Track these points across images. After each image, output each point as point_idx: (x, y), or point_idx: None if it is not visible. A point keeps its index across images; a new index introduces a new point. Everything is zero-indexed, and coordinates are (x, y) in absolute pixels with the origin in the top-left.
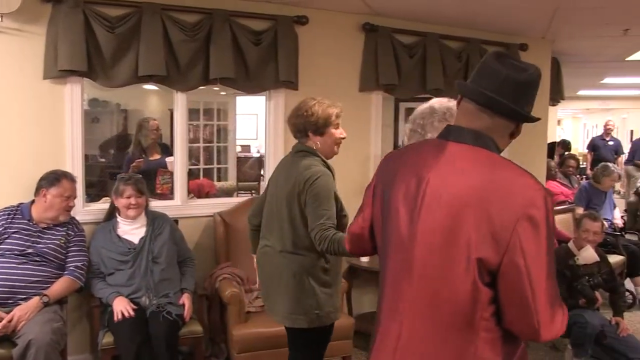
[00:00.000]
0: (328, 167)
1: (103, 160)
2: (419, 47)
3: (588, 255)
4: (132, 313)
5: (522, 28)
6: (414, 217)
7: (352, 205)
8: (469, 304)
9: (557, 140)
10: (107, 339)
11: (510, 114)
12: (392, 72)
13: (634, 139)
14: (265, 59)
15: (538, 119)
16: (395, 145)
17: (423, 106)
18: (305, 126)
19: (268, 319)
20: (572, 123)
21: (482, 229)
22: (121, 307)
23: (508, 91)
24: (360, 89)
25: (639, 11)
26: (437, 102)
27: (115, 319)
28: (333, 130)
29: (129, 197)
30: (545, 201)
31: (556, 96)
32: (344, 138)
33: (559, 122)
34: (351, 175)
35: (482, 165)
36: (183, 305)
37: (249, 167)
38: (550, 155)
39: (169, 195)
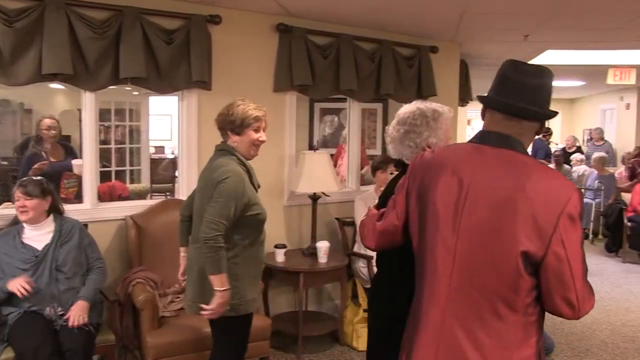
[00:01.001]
0: (245, 166)
1: (5, 163)
2: (332, 48)
3: None
4: (28, 288)
5: (432, 31)
6: (457, 217)
7: (267, 204)
8: (513, 292)
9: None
10: (6, 354)
11: (538, 118)
12: (306, 73)
13: (536, 138)
14: (177, 59)
15: (557, 113)
16: (311, 145)
17: (408, 109)
18: (225, 124)
19: (184, 323)
20: (481, 123)
21: (526, 226)
22: (17, 285)
23: (534, 98)
24: (274, 90)
25: (536, 19)
26: (420, 104)
27: (19, 295)
28: (251, 132)
29: (18, 201)
30: (580, 200)
31: (465, 97)
32: (263, 141)
33: (469, 122)
34: (266, 174)
35: (520, 167)
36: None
37: (163, 168)
38: None
39: (73, 199)
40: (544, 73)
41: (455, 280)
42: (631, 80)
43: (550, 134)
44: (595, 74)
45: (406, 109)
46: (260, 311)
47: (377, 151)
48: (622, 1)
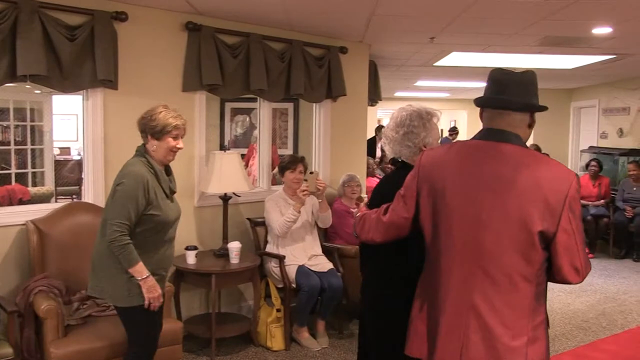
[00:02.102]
0: (154, 169)
1: None
2: (242, 48)
3: None
4: None
5: (342, 32)
6: (478, 206)
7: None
8: (529, 265)
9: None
10: None
11: (522, 107)
12: (215, 72)
13: (443, 137)
14: (81, 56)
15: (546, 108)
16: (222, 146)
17: (405, 112)
18: (146, 128)
19: (92, 331)
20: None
21: (540, 209)
22: None
23: (518, 92)
24: (183, 89)
25: (441, 22)
26: (415, 106)
27: None
28: (169, 139)
29: None
30: (579, 182)
31: (374, 97)
32: (180, 148)
33: (379, 121)
34: (175, 175)
35: (530, 160)
36: None
37: (69, 170)
38: (371, 151)
39: None
40: (526, 72)
41: (475, 261)
42: None
43: (457, 133)
44: None
45: (402, 112)
46: (172, 314)
47: (288, 151)
48: (514, 9)
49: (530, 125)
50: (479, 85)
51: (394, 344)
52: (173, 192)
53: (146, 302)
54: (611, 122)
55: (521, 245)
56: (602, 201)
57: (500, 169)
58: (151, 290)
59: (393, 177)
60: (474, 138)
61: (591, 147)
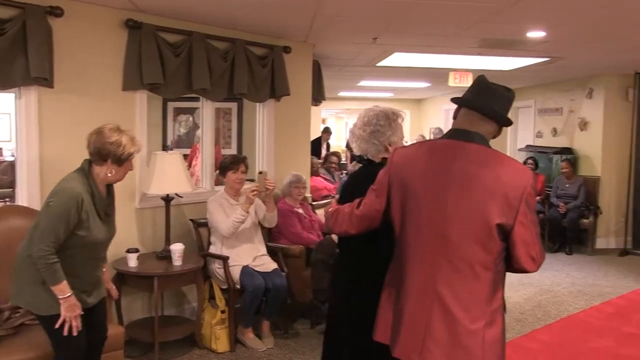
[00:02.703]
0: (92, 190)
1: None
2: (184, 46)
3: None
4: None
5: (285, 31)
6: (442, 199)
7: (117, 208)
8: (488, 254)
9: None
10: None
11: (504, 122)
12: (156, 71)
13: None
14: (12, 52)
15: (512, 122)
16: (164, 146)
17: (372, 112)
18: (109, 154)
19: (23, 341)
20: (335, 122)
21: (499, 203)
22: None
23: (504, 106)
24: (123, 88)
25: (383, 23)
26: (382, 107)
27: None
28: (128, 164)
29: None
30: (534, 180)
31: (318, 97)
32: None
33: (323, 121)
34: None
35: (491, 158)
36: None
37: (2, 172)
38: (316, 151)
39: None
40: (509, 90)
41: (440, 251)
42: (469, 83)
43: None
44: (438, 77)
45: (370, 112)
46: (113, 320)
47: (232, 150)
48: (453, 12)
49: (495, 136)
50: (422, 86)
51: (367, 336)
52: (108, 215)
53: (61, 319)
54: (546, 122)
55: (481, 236)
56: (537, 198)
57: (466, 166)
58: (70, 310)
59: (360, 173)
60: (442, 137)
61: (528, 146)
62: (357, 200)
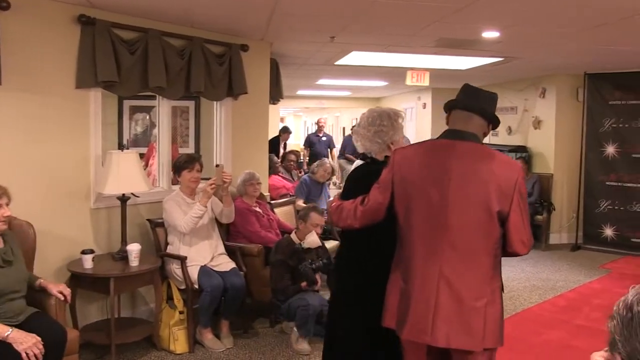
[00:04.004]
0: None
1: None
2: (140, 44)
3: (312, 240)
4: None
5: (243, 29)
6: (445, 193)
7: (71, 208)
8: (490, 240)
9: (280, 128)
10: None
11: (494, 121)
12: (111, 69)
13: (346, 135)
14: None
15: (500, 122)
16: (120, 144)
17: (375, 113)
18: None
19: None
20: (294, 120)
21: (496, 193)
22: None
23: (493, 107)
24: (77, 86)
25: (341, 22)
26: (384, 107)
27: None
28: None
29: None
30: (522, 169)
31: (276, 95)
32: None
33: (282, 119)
34: (68, 176)
35: (485, 154)
36: None
37: None
38: (274, 150)
39: None
40: (493, 93)
41: (444, 238)
42: (426, 82)
43: None
44: (396, 75)
45: (374, 112)
46: (68, 323)
47: (190, 149)
48: (409, 11)
49: (485, 134)
50: (380, 84)
51: (369, 323)
52: (8, 261)
53: (24, 356)
54: (501, 121)
55: (482, 223)
56: None
57: (463, 161)
58: (24, 342)
59: (363, 170)
60: (439, 137)
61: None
62: (360, 198)
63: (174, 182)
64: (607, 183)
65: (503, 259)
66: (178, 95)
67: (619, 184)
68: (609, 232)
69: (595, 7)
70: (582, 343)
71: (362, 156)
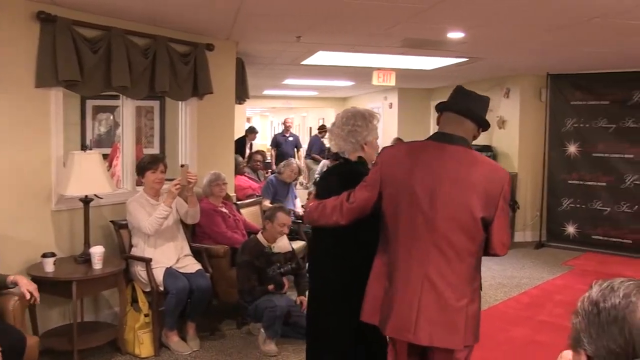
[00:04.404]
0: None
1: None
2: (103, 42)
3: (283, 244)
4: None
5: (208, 28)
6: (433, 195)
7: (31, 210)
8: (475, 243)
9: (246, 128)
10: None
11: (484, 124)
12: (73, 68)
13: (312, 135)
14: None
15: (489, 125)
16: (83, 145)
17: (350, 113)
18: None
19: None
20: (260, 120)
21: (482, 199)
22: None
23: (482, 108)
24: (37, 85)
25: (308, 21)
26: (359, 108)
27: None
28: None
29: None
30: (509, 177)
31: (242, 95)
32: None
33: (248, 119)
34: (28, 177)
35: (472, 158)
36: None
37: None
38: (240, 150)
39: None
40: (484, 96)
41: (430, 239)
42: (392, 82)
43: (326, 131)
44: (362, 75)
45: (348, 112)
46: (27, 330)
47: (155, 150)
48: (375, 11)
49: (475, 137)
50: (346, 84)
51: (349, 317)
52: None
53: None
54: None
55: (467, 227)
56: None
57: (452, 165)
58: None
59: (336, 169)
60: (428, 139)
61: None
62: (345, 194)
63: (139, 183)
64: (569, 182)
65: None
66: (142, 95)
67: (581, 182)
68: (571, 229)
69: (557, 9)
70: (546, 338)
71: (335, 156)
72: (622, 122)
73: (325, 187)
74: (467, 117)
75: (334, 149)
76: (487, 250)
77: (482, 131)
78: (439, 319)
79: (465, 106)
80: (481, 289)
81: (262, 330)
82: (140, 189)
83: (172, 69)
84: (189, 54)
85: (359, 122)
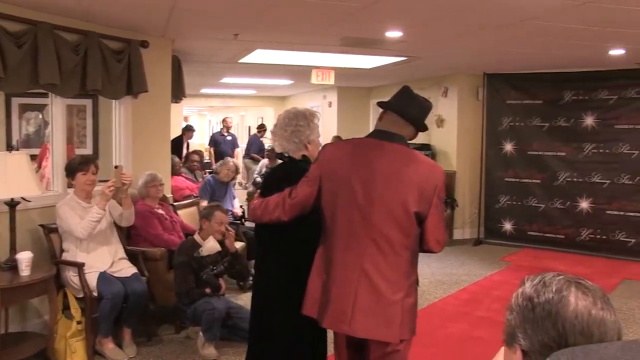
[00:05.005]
0: None
1: None
2: (29, 37)
3: (211, 246)
4: None
5: (142, 25)
6: (369, 191)
7: None
8: (407, 237)
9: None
10: None
11: (422, 127)
12: None
13: (251, 134)
14: None
15: (427, 128)
16: (9, 145)
17: (292, 113)
18: None
19: None
20: (198, 119)
21: (416, 194)
22: None
23: (422, 113)
24: None
25: (245, 19)
26: (300, 108)
27: None
28: None
29: None
30: (444, 174)
31: (178, 93)
32: None
33: (186, 118)
34: None
35: (409, 156)
36: None
37: None
38: (177, 150)
39: None
40: (427, 101)
41: (366, 234)
42: (331, 80)
43: (265, 130)
44: (301, 74)
45: (290, 113)
46: None
47: (87, 150)
48: (312, 10)
49: (411, 138)
50: (285, 83)
51: (292, 312)
52: None
53: None
54: None
55: (402, 222)
56: None
57: (389, 162)
58: None
59: (280, 168)
60: (368, 136)
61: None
62: (287, 191)
63: (70, 185)
64: (506, 179)
65: None
66: (73, 93)
67: (517, 180)
68: (508, 226)
69: (492, 10)
70: (484, 334)
71: (280, 155)
72: (555, 121)
73: (270, 185)
74: (408, 121)
75: (278, 150)
76: (422, 246)
77: (420, 131)
78: (375, 311)
79: (408, 111)
80: (418, 284)
81: (200, 333)
82: (71, 191)
83: (104, 67)
84: (122, 51)
85: (301, 122)
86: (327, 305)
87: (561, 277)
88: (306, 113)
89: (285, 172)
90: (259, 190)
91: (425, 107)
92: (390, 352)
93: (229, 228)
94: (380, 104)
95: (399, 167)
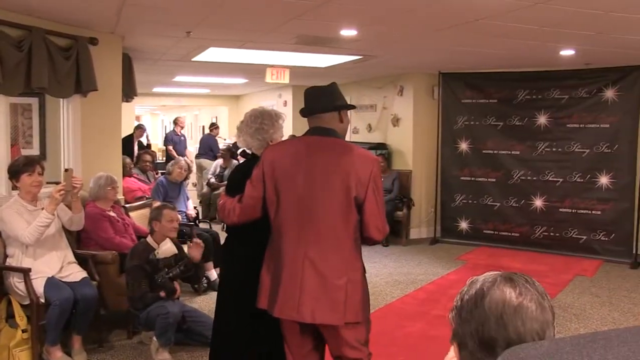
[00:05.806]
0: None
1: None
2: None
3: (167, 249)
4: None
5: (91, 21)
6: (310, 182)
7: None
8: (349, 225)
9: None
10: None
11: (344, 107)
12: None
13: (205, 133)
14: None
15: (353, 107)
16: None
17: (257, 111)
18: None
19: None
20: (151, 119)
21: (354, 181)
22: None
23: (324, 99)
24: None
25: (196, 16)
26: (266, 108)
27: None
28: None
29: None
30: (378, 162)
31: (129, 92)
32: None
33: (138, 118)
34: None
35: (346, 148)
36: None
37: None
38: (128, 149)
39: None
40: (330, 84)
41: (309, 224)
42: (286, 79)
43: (218, 129)
44: (255, 73)
45: (256, 111)
46: None
47: (34, 151)
48: (265, 7)
49: (342, 120)
50: (239, 82)
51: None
52: None
53: None
54: (362, 118)
55: (343, 210)
56: None
57: (327, 155)
58: None
59: (245, 166)
60: (305, 134)
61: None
62: (237, 197)
63: (15, 187)
64: (462, 178)
65: (365, 256)
66: (17, 92)
67: (472, 178)
68: (464, 225)
69: (446, 10)
70: (441, 332)
71: (243, 152)
72: (509, 120)
73: (234, 183)
74: (322, 112)
75: (241, 145)
76: (363, 234)
77: (349, 109)
78: (320, 295)
79: (316, 106)
80: (365, 271)
81: (154, 338)
82: (15, 193)
83: (51, 64)
84: (70, 48)
85: (265, 120)
86: (276, 295)
87: (494, 273)
88: (272, 113)
89: (249, 169)
90: (222, 189)
91: (329, 92)
92: (341, 336)
93: (198, 240)
94: (302, 114)
95: (336, 158)
